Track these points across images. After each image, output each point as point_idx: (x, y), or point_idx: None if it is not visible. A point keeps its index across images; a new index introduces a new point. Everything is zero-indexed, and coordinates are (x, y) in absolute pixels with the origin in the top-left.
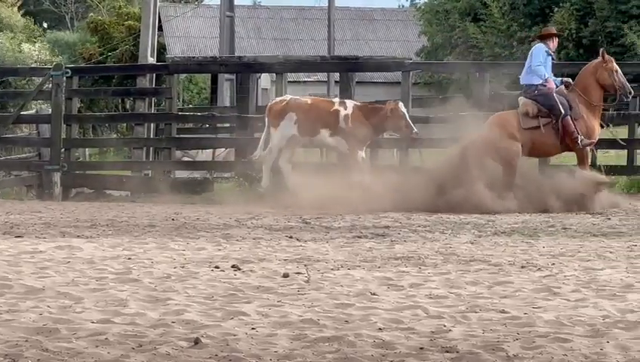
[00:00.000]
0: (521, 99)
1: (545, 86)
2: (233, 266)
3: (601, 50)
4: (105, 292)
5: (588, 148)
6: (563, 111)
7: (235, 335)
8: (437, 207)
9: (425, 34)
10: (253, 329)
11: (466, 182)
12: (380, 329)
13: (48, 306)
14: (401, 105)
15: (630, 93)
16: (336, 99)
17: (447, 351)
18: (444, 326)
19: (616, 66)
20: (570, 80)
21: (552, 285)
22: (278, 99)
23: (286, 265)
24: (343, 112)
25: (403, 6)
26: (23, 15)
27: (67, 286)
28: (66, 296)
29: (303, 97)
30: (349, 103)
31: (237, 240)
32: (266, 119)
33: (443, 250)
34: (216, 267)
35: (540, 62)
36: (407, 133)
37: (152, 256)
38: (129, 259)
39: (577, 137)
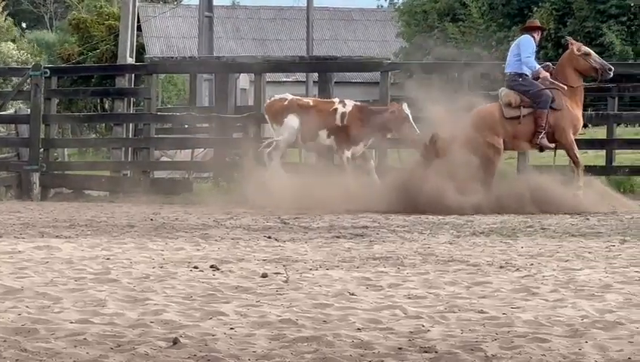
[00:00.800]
0: (504, 90)
1: (528, 77)
2: (212, 266)
3: (567, 38)
4: (84, 293)
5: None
6: (544, 102)
7: (213, 336)
8: (406, 207)
9: (402, 35)
10: (231, 329)
11: (432, 179)
12: (358, 329)
13: (27, 306)
14: (405, 106)
15: (610, 69)
16: (337, 99)
17: (426, 351)
18: (423, 326)
19: (587, 49)
20: (550, 64)
21: (531, 285)
22: (278, 97)
23: (265, 265)
24: (340, 110)
25: (382, 6)
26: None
27: (46, 287)
28: (44, 296)
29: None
30: (349, 103)
31: (215, 241)
32: (267, 117)
33: (421, 250)
34: (195, 267)
35: (530, 53)
36: (410, 134)
37: (131, 256)
38: (108, 259)
39: (540, 133)
